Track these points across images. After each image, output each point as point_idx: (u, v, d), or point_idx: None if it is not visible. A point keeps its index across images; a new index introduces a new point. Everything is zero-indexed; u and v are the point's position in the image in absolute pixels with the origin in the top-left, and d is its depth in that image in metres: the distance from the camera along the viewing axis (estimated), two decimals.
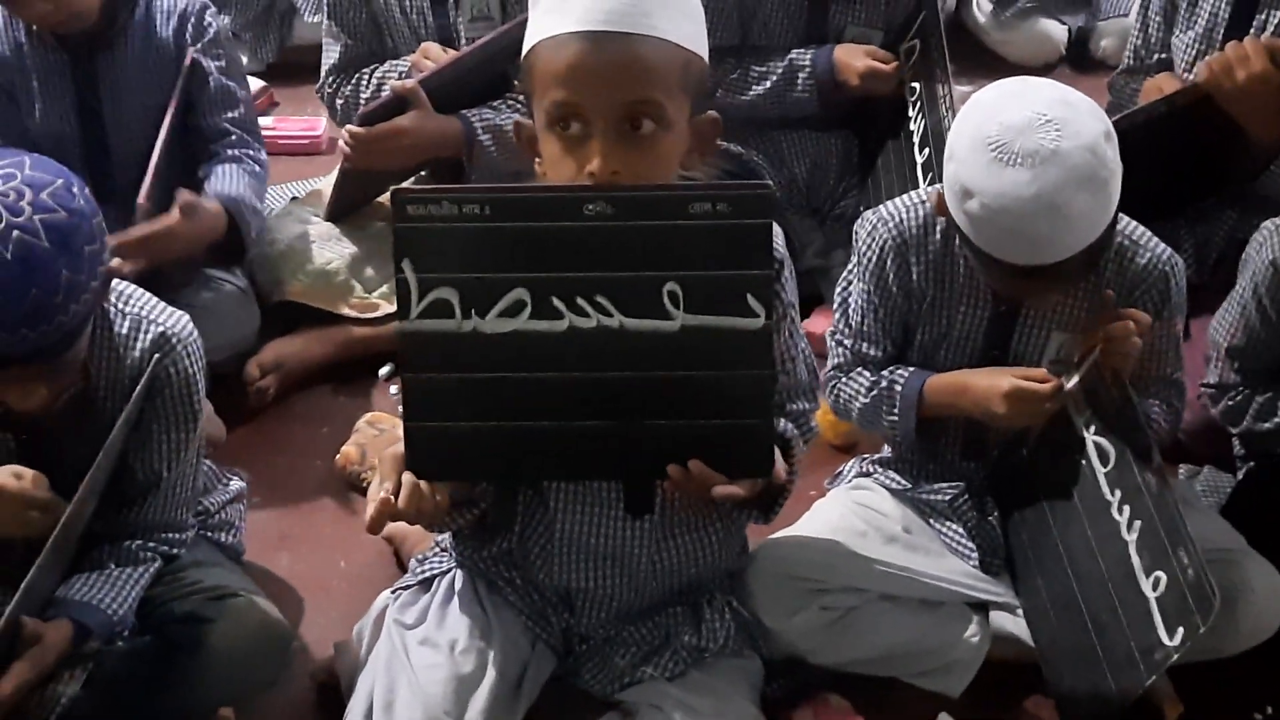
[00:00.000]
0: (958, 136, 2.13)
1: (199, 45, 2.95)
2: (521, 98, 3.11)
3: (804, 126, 3.22)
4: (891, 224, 2.30)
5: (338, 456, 2.78)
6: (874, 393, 2.33)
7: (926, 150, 2.92)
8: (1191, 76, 2.84)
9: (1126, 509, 2.12)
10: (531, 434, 1.88)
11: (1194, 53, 2.91)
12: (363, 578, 2.56)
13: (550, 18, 1.88)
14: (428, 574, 2.21)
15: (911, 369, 2.33)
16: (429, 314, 1.84)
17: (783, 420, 2.08)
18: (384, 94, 3.11)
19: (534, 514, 2.13)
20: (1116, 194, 2.09)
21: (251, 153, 3.02)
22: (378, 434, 2.78)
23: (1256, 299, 2.44)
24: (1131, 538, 2.10)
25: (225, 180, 2.93)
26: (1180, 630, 1.99)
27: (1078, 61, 4.40)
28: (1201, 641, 1.98)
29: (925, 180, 2.89)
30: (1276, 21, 2.83)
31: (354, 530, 2.64)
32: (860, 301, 2.34)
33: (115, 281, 2.14)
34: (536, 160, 1.97)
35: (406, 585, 2.22)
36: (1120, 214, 2.16)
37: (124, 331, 2.13)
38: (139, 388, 2.07)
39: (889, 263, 2.30)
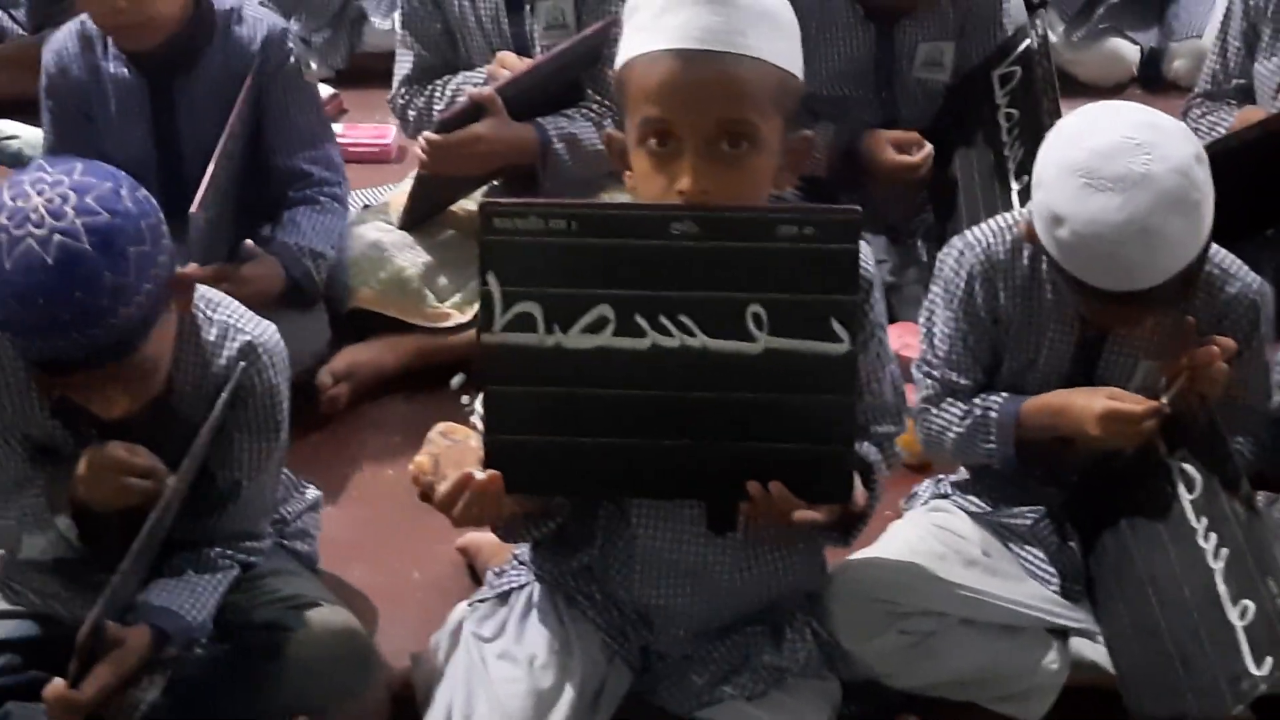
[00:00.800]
0: (1045, 163, 2.12)
1: (268, 72, 2.94)
2: (594, 106, 3.12)
3: None
4: (978, 249, 2.29)
5: (410, 466, 2.74)
6: (968, 421, 2.31)
7: (1026, 177, 2.91)
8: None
9: (1213, 536, 2.11)
10: (611, 451, 1.88)
11: (1277, 80, 2.89)
12: (436, 589, 2.56)
13: (644, 34, 1.88)
14: (506, 587, 2.21)
15: (1004, 394, 2.30)
16: (512, 327, 1.84)
17: (865, 443, 2.07)
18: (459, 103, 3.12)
19: (615, 529, 2.12)
20: (1209, 217, 2.08)
21: (328, 190, 3.03)
22: (451, 445, 2.74)
23: None
24: (1218, 565, 2.08)
25: (293, 231, 2.95)
26: (1269, 660, 1.97)
27: (1150, 82, 4.38)
28: None
29: (1024, 207, 2.87)
30: None
31: (427, 542, 2.63)
32: (948, 330, 2.32)
33: (202, 288, 2.15)
34: (627, 174, 1.96)
35: (484, 598, 2.22)
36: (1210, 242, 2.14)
37: (211, 338, 2.13)
38: (224, 394, 2.07)
39: (977, 288, 2.28)
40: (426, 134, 2.95)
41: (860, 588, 2.23)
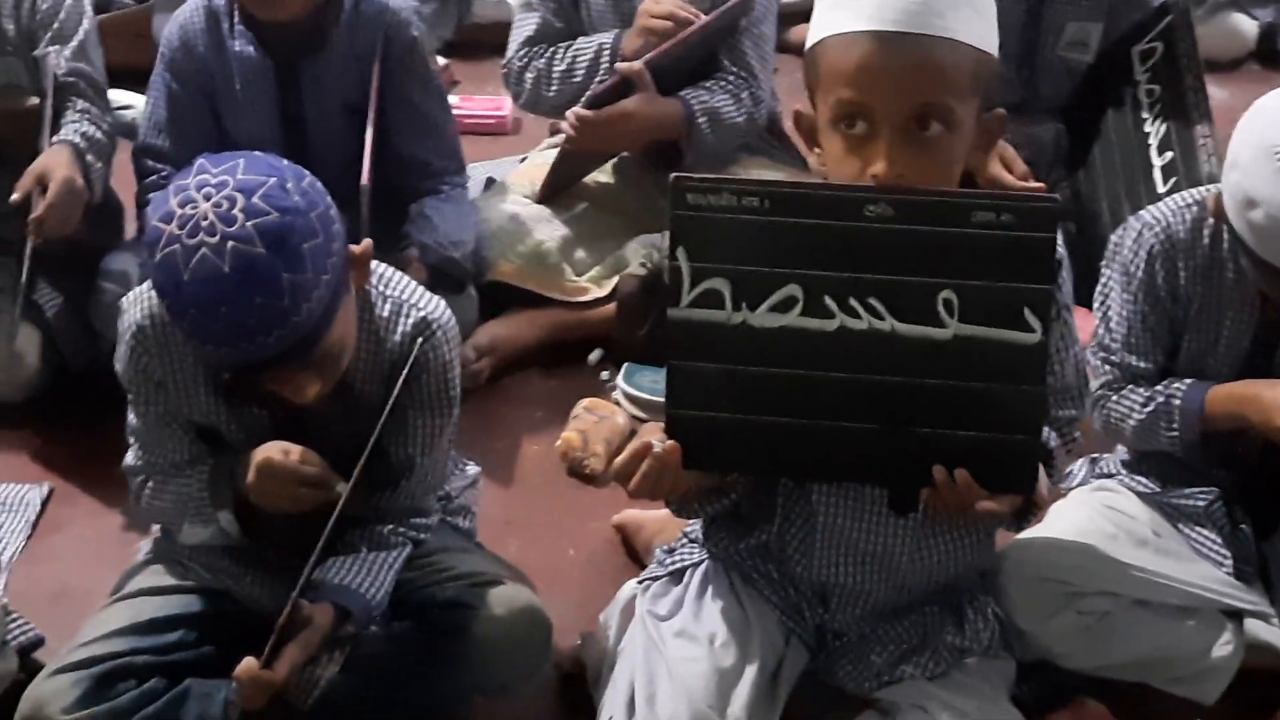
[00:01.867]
0: (1240, 145, 2.10)
1: (392, 55, 2.92)
2: (729, 77, 3.10)
3: (1015, 119, 3.17)
4: (1158, 228, 2.26)
5: (558, 442, 2.77)
6: (1150, 408, 2.29)
7: (1169, 154, 2.93)
8: None
9: None
10: (793, 431, 1.87)
11: None
12: (593, 566, 2.56)
13: (840, 13, 1.85)
14: (679, 565, 2.19)
15: (1188, 381, 2.28)
16: (700, 303, 1.83)
17: (1045, 428, 2.04)
18: (576, 70, 3.10)
19: (795, 507, 2.11)
20: None
21: (449, 179, 3.02)
22: (598, 420, 2.77)
23: None
24: None
25: (427, 227, 2.93)
26: None
27: (1267, 57, 4.36)
28: None
29: (1166, 183, 2.88)
30: None
31: (579, 517, 2.63)
32: (1125, 312, 2.30)
33: (375, 264, 2.13)
34: (816, 152, 1.94)
35: (656, 576, 2.20)
36: None
37: (385, 315, 2.12)
38: (405, 372, 2.06)
39: (1157, 268, 2.26)
40: (577, 111, 2.94)
41: (1035, 569, 2.22)
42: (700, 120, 3.00)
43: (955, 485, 1.84)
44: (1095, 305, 2.36)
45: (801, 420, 1.86)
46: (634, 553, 2.56)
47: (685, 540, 2.23)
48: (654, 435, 1.90)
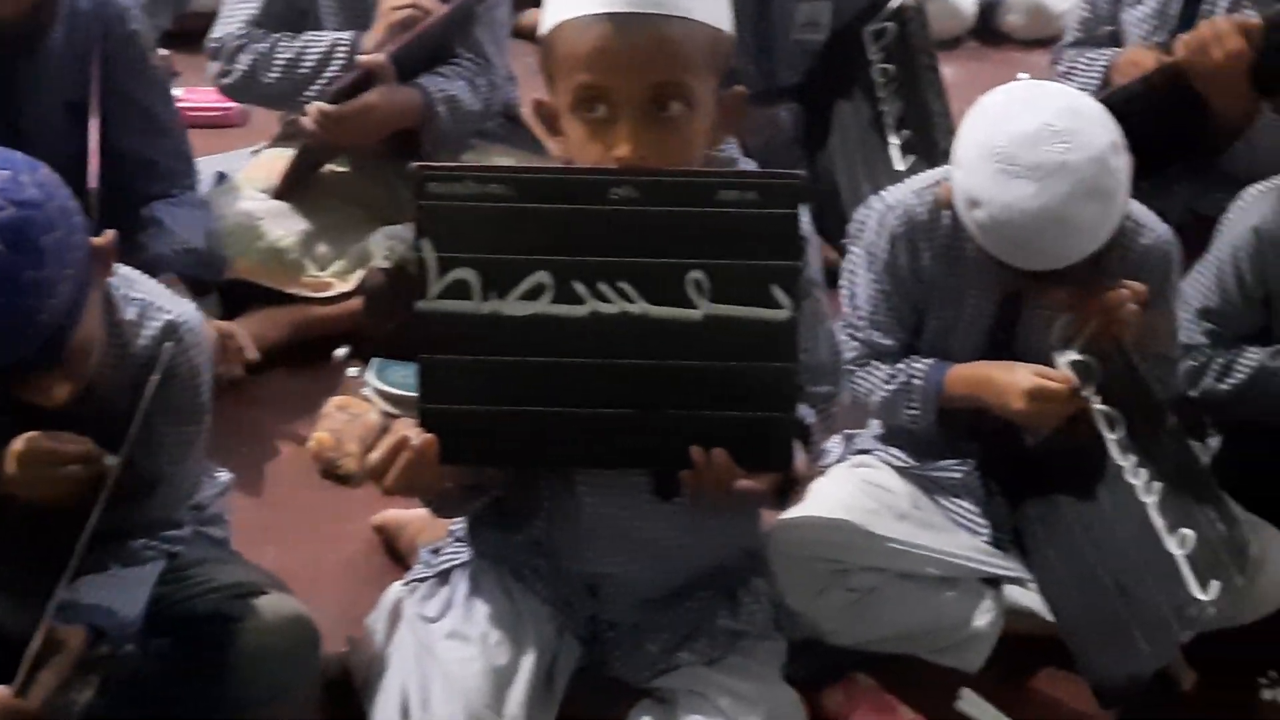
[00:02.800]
0: (965, 144, 2.16)
1: (110, 51, 2.80)
2: (464, 63, 3.06)
3: (753, 103, 3.20)
4: (900, 209, 2.31)
5: (311, 443, 2.70)
6: (892, 385, 2.34)
7: (905, 132, 2.96)
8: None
9: (1143, 472, 2.16)
10: (550, 420, 1.85)
11: (1149, 27, 2.97)
12: (354, 569, 2.50)
13: None
14: (445, 565, 2.15)
15: (931, 361, 2.33)
16: (448, 294, 1.80)
17: (801, 405, 2.05)
18: (303, 62, 3.02)
19: (560, 499, 2.08)
20: (1124, 201, 2.15)
21: (180, 182, 2.92)
22: (350, 419, 2.71)
23: (1234, 264, 2.47)
24: (1151, 499, 2.14)
25: (161, 235, 2.82)
26: (1214, 583, 2.03)
27: (984, 35, 4.48)
28: (1224, 605, 2.02)
29: (905, 160, 2.94)
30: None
31: (336, 520, 2.57)
32: (870, 291, 2.35)
33: (117, 265, 2.04)
34: (557, 139, 1.92)
35: (422, 577, 2.16)
36: None
37: (129, 317, 2.03)
38: (154, 377, 1.96)
39: (899, 248, 2.31)
40: (320, 105, 2.86)
41: (802, 548, 2.24)
42: (439, 109, 2.95)
43: (713, 465, 1.84)
44: (843, 283, 2.40)
45: (557, 408, 1.84)
46: (396, 554, 2.51)
47: (451, 540, 2.19)
48: (409, 430, 1.86)
